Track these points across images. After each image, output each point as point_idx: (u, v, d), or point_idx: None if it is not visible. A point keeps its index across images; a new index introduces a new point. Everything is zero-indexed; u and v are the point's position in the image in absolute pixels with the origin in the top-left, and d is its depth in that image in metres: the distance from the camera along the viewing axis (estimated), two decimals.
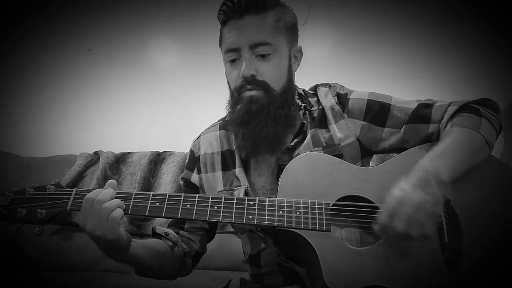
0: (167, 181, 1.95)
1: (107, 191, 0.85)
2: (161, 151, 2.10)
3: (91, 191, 0.87)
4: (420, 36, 2.26)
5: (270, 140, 1.04)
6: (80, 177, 1.95)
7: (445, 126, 1.02)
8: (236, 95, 1.05)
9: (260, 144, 1.04)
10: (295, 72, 1.13)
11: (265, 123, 1.02)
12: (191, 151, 1.21)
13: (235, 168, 1.10)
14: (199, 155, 1.17)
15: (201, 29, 2.35)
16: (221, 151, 1.14)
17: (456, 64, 2.23)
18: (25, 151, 2.17)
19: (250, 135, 1.04)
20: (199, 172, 1.17)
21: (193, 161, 1.19)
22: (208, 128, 1.23)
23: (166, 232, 1.09)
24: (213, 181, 1.13)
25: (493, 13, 2.18)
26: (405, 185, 0.85)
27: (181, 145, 2.16)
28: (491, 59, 2.20)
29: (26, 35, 2.39)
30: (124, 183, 1.97)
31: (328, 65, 2.25)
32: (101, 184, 1.95)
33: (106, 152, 2.09)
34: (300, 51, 1.11)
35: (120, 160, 2.03)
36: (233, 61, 1.04)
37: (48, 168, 1.99)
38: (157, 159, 2.05)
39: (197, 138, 1.22)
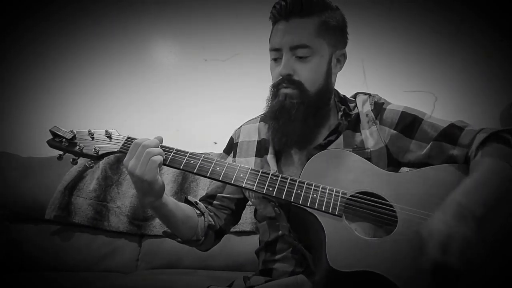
0: (167, 181, 1.95)
1: (153, 140, 1.00)
2: None
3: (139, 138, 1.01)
4: (419, 36, 2.26)
5: (296, 136, 1.11)
6: (80, 177, 1.95)
7: (475, 154, 1.02)
8: (274, 91, 1.13)
9: (287, 139, 1.12)
10: (338, 74, 1.20)
11: (292, 120, 1.09)
12: (231, 138, 1.32)
13: (268, 155, 1.18)
14: (237, 142, 1.28)
15: (202, 30, 2.36)
16: (258, 140, 1.23)
17: (456, 64, 2.23)
18: (25, 151, 2.17)
19: (279, 130, 1.12)
20: (234, 156, 1.26)
21: (230, 146, 1.30)
22: (250, 120, 1.32)
23: (196, 202, 1.19)
24: (246, 165, 1.18)
25: (493, 13, 2.18)
26: (448, 219, 0.85)
27: (181, 145, 2.16)
28: (491, 59, 2.20)
29: (27, 35, 2.40)
30: (125, 183, 1.98)
31: None
32: (101, 184, 1.95)
33: None
34: (343, 54, 1.17)
35: (120, 160, 2.03)
36: (275, 59, 1.12)
37: (48, 168, 1.99)
38: None
39: (239, 128, 1.32)
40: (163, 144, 1.04)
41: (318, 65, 1.10)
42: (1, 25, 2.37)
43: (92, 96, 2.38)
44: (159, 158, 0.98)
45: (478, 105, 2.16)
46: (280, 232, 1.13)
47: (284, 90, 1.10)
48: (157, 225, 1.88)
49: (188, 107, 2.35)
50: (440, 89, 2.23)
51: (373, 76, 2.26)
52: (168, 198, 1.07)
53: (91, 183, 1.95)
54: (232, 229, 1.81)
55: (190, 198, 1.20)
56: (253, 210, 1.31)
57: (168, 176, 1.96)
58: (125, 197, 1.93)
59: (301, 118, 1.09)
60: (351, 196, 0.99)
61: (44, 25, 2.40)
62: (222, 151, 1.32)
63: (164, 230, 1.15)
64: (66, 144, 1.04)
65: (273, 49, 1.11)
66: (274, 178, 1.00)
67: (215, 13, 2.34)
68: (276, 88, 1.12)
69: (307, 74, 1.09)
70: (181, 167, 1.02)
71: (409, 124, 1.12)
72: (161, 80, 2.39)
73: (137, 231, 1.90)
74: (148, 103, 2.38)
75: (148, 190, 0.98)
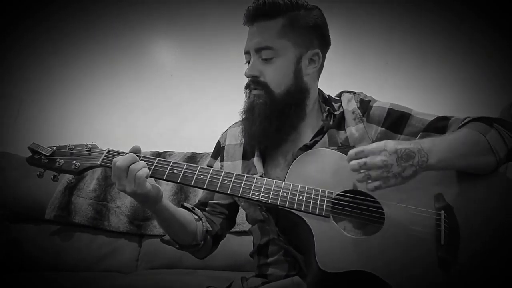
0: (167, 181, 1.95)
1: (128, 156, 0.98)
2: (161, 151, 2.10)
3: (122, 153, 1.03)
4: (419, 36, 2.26)
5: (258, 136, 1.12)
6: (80, 177, 1.96)
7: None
8: (247, 92, 1.15)
9: (251, 139, 1.14)
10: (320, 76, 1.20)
11: (253, 121, 1.11)
12: (218, 142, 1.31)
13: (254, 158, 1.18)
14: (224, 146, 1.28)
15: (202, 30, 2.36)
16: (243, 143, 1.22)
17: (456, 64, 2.23)
18: (25, 151, 2.16)
19: (244, 130, 1.16)
20: (221, 160, 1.26)
21: (218, 150, 1.30)
22: (236, 122, 1.31)
23: (193, 207, 1.20)
24: (233, 168, 1.20)
25: (493, 13, 2.18)
26: (390, 146, 0.89)
27: (181, 145, 2.16)
28: (491, 59, 2.20)
29: (27, 35, 2.40)
30: None
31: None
32: (101, 184, 1.95)
33: None
34: (317, 54, 1.14)
35: None
36: (248, 62, 1.14)
37: None
38: None
39: (225, 131, 1.32)
40: (143, 155, 1.04)
41: (283, 65, 1.10)
42: (1, 26, 2.38)
43: (92, 95, 2.39)
44: (145, 171, 0.96)
45: (478, 105, 2.16)
46: (271, 235, 1.13)
47: (253, 92, 1.12)
48: (157, 225, 1.88)
49: (188, 107, 2.36)
50: (440, 89, 2.23)
51: (372, 77, 2.26)
52: (168, 202, 1.07)
53: (91, 183, 1.96)
54: (232, 229, 1.83)
55: (186, 204, 1.20)
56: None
57: None
58: (125, 197, 1.93)
59: (264, 118, 1.09)
60: (337, 195, 0.99)
61: (45, 26, 2.40)
62: (210, 156, 1.32)
63: (162, 238, 1.15)
64: (46, 161, 1.03)
65: (244, 53, 1.14)
66: (259, 183, 1.00)
67: (215, 13, 2.34)
68: (248, 89, 1.14)
69: (272, 75, 1.10)
70: (164, 178, 1.01)
71: (396, 120, 1.12)
72: (161, 80, 2.40)
73: (137, 231, 1.90)
74: (148, 103, 2.38)
75: (145, 200, 0.99)
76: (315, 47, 1.13)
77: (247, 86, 1.14)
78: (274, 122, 1.10)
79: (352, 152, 0.91)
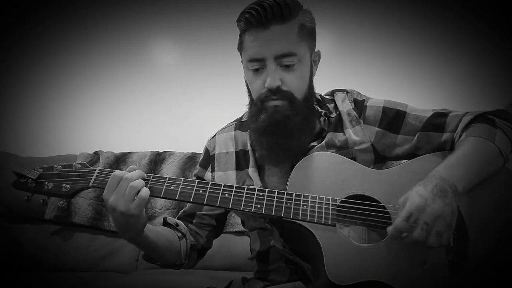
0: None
1: (135, 172, 0.92)
2: (161, 151, 2.11)
3: (113, 170, 0.95)
4: (419, 36, 2.26)
5: (295, 150, 1.04)
6: None
7: (460, 136, 1.02)
8: (259, 104, 1.03)
9: (286, 153, 1.04)
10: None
11: (290, 134, 1.02)
12: (206, 150, 1.23)
13: (249, 168, 1.12)
14: (214, 154, 1.20)
15: (202, 29, 2.36)
16: (236, 151, 1.16)
17: (456, 64, 2.23)
18: (25, 151, 2.17)
19: (276, 145, 1.04)
20: (212, 170, 1.19)
21: (207, 159, 1.22)
22: (223, 128, 1.24)
23: (176, 223, 1.12)
24: (226, 179, 1.14)
25: (493, 13, 2.18)
26: (425, 192, 0.85)
27: (181, 145, 2.16)
28: (491, 59, 2.20)
29: (27, 35, 2.40)
30: None
31: (326, 66, 2.25)
32: None
33: (106, 152, 2.09)
34: (318, 55, 1.10)
35: (120, 160, 2.03)
36: (256, 70, 1.03)
37: None
38: (157, 159, 2.05)
39: (213, 137, 1.23)
40: None
41: (304, 71, 1.03)
42: (1, 26, 2.38)
43: (92, 95, 2.39)
44: (146, 191, 0.90)
45: (478, 104, 2.16)
46: (272, 243, 1.09)
47: (272, 103, 1.01)
48: (157, 224, 1.88)
49: (188, 106, 2.36)
50: (440, 89, 2.23)
51: (371, 78, 2.26)
52: (148, 229, 0.98)
53: None
54: (231, 229, 1.83)
55: (169, 219, 1.12)
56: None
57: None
58: None
59: (297, 131, 1.03)
60: (342, 202, 0.96)
61: (45, 26, 2.40)
62: (198, 165, 1.24)
63: (143, 254, 1.07)
64: (33, 185, 0.95)
65: (253, 60, 1.01)
66: (261, 194, 0.94)
67: (214, 14, 2.34)
68: (262, 101, 1.02)
69: (296, 82, 1.02)
70: (161, 195, 0.95)
71: (392, 119, 1.08)
72: (161, 80, 2.40)
73: None
74: (148, 103, 2.38)
75: (132, 225, 0.91)
76: (315, 47, 1.09)
77: (264, 98, 1.02)
78: (305, 133, 1.05)
79: (401, 222, 0.83)
